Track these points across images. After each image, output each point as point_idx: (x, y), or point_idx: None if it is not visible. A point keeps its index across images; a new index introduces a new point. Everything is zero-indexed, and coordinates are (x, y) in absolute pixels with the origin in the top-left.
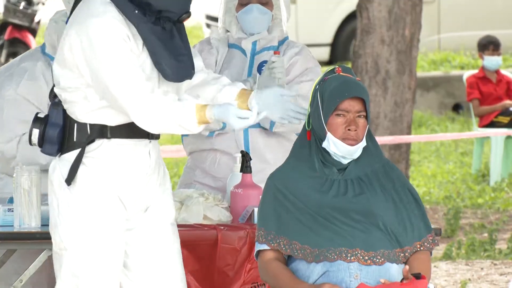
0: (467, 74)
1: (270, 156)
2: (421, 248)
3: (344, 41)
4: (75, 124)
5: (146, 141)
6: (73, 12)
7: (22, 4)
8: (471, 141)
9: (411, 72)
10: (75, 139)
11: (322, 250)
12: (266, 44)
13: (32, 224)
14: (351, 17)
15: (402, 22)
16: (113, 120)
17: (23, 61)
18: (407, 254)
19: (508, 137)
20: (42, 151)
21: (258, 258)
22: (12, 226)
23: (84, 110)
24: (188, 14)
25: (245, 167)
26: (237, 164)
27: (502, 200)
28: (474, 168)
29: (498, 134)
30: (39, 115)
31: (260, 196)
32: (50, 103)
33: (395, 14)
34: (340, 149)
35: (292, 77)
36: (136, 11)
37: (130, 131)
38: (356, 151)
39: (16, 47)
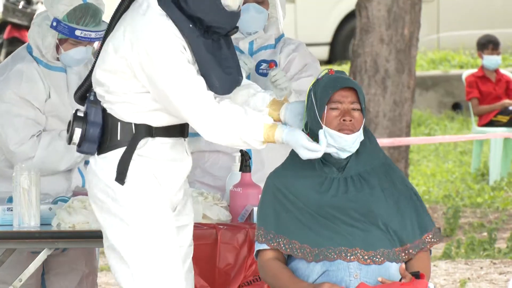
0: (466, 73)
1: (270, 155)
2: (423, 245)
3: (343, 40)
4: (119, 123)
5: (182, 139)
6: (125, 19)
7: (21, 3)
8: (470, 140)
9: (410, 71)
10: (118, 138)
11: (321, 249)
12: (263, 43)
13: (31, 223)
14: (350, 16)
15: (401, 21)
16: (157, 122)
17: (16, 62)
18: (411, 251)
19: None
20: (80, 150)
21: (258, 258)
22: (11, 225)
23: (130, 111)
24: (236, 29)
25: (244, 166)
26: (236, 163)
27: (501, 199)
28: (473, 167)
29: (497, 136)
30: (78, 114)
31: (259, 195)
32: (88, 101)
33: (394, 13)
34: (337, 140)
35: (291, 75)
36: (190, 25)
37: (170, 130)
38: (353, 142)
39: (15, 46)
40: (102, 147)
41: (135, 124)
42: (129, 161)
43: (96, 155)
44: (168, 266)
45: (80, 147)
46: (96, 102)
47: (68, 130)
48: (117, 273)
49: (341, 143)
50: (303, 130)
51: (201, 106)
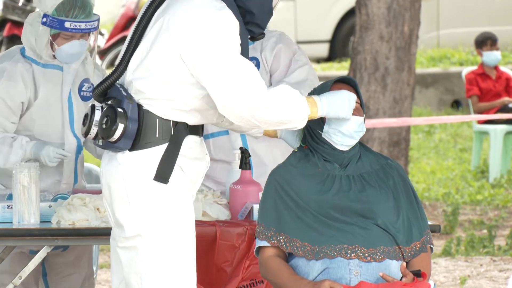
0: (466, 70)
1: (270, 159)
2: (422, 246)
3: (343, 37)
4: (157, 120)
5: (201, 138)
6: (172, 5)
7: (21, 0)
8: (470, 137)
9: (410, 69)
10: (157, 135)
11: (322, 247)
12: None
13: (31, 221)
14: (350, 14)
15: (401, 19)
16: (192, 120)
17: (3, 60)
18: (407, 253)
19: (507, 133)
20: (117, 146)
21: (259, 255)
22: (11, 223)
23: (170, 108)
24: (263, 35)
25: (244, 164)
26: (236, 161)
27: (501, 197)
28: (473, 165)
29: (498, 121)
30: (119, 110)
31: (259, 193)
32: (123, 97)
33: (394, 11)
34: (343, 124)
35: (284, 68)
36: (241, 17)
37: (199, 128)
38: (358, 125)
39: (15, 43)
40: (136, 143)
41: (174, 122)
42: (174, 159)
43: (127, 151)
44: (189, 262)
45: (116, 143)
46: (131, 98)
47: (84, 123)
48: (140, 274)
49: (347, 124)
50: (301, 145)
51: (256, 82)
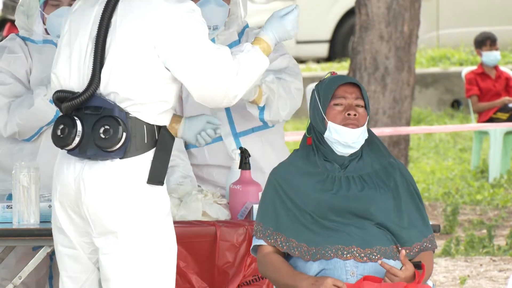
0: (465, 70)
1: (266, 164)
2: (423, 247)
3: (343, 37)
4: (144, 126)
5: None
6: (133, 5)
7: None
8: (470, 137)
9: (410, 69)
10: (146, 141)
11: (318, 248)
12: (225, 41)
13: (31, 221)
14: (349, 14)
15: (401, 19)
16: (167, 121)
17: (1, 44)
18: (408, 252)
19: (507, 133)
20: (114, 155)
21: (257, 253)
22: (11, 223)
23: (156, 112)
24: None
25: (244, 164)
26: (235, 161)
27: (501, 197)
28: (473, 165)
29: (497, 126)
30: (119, 119)
31: (259, 193)
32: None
33: (394, 11)
34: (342, 134)
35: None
36: None
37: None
38: (358, 136)
39: None
40: (127, 151)
41: (157, 126)
42: (167, 160)
43: (118, 158)
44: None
45: (114, 153)
46: (119, 106)
47: (62, 135)
48: (137, 276)
49: (346, 137)
50: (305, 135)
51: (228, 69)
